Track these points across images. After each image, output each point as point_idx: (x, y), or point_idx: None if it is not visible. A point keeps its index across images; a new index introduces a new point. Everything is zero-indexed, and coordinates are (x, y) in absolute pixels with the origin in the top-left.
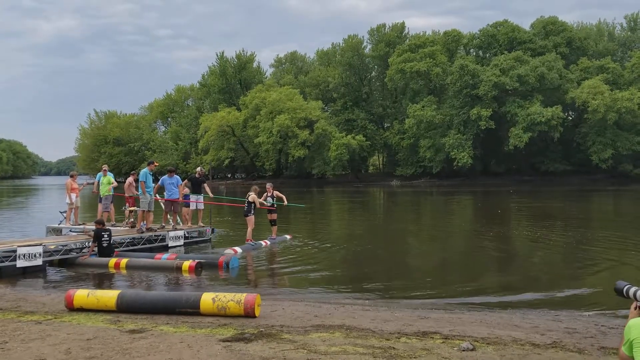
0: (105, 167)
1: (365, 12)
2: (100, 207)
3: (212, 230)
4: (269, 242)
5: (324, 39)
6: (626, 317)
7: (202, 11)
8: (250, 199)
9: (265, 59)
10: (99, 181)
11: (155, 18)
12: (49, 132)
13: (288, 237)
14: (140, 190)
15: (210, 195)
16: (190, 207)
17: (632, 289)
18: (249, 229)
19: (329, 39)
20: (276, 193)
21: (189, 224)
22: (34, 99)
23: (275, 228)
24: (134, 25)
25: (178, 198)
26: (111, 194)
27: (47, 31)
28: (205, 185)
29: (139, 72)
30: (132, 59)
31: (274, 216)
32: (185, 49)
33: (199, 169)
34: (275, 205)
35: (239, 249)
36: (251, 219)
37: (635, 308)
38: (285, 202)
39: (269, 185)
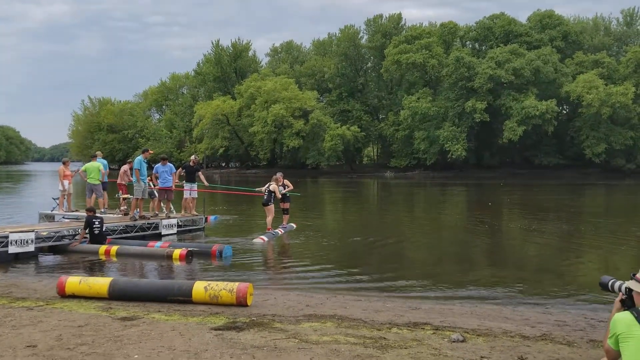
0: (98, 153)
1: (360, 1)
2: (94, 194)
3: (204, 219)
4: (282, 230)
5: (318, 28)
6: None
7: None
8: (271, 188)
9: (259, 48)
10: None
11: (147, 5)
12: (42, 118)
13: (294, 225)
14: (134, 177)
15: (206, 183)
16: (184, 196)
17: (617, 283)
18: (270, 218)
19: (324, 28)
20: (286, 182)
21: (192, 212)
22: (26, 84)
23: (287, 217)
24: (125, 11)
25: (171, 186)
26: (92, 182)
27: (38, 16)
28: (200, 173)
29: (131, 59)
30: (123, 46)
31: (287, 205)
32: (177, 37)
33: (193, 157)
34: (288, 194)
35: (265, 238)
36: (271, 208)
37: (620, 301)
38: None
39: (280, 175)
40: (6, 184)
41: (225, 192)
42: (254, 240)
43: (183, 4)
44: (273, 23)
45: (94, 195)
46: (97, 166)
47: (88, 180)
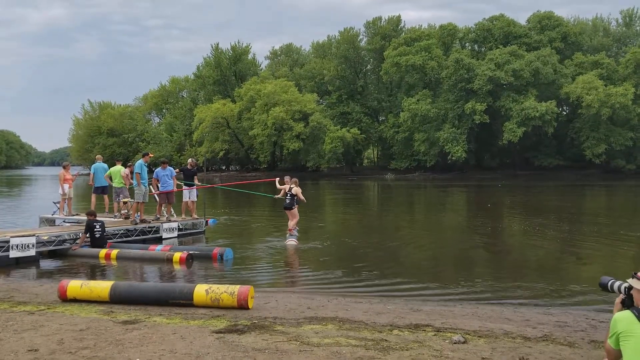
0: (98, 157)
1: (359, 4)
2: (94, 198)
3: (205, 222)
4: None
5: (316, 31)
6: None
7: (193, 1)
8: (294, 192)
9: (258, 51)
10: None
11: (146, 8)
12: (42, 123)
13: (297, 228)
14: (135, 181)
15: (198, 185)
16: (184, 199)
17: (617, 283)
18: (293, 222)
19: (322, 30)
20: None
21: (193, 215)
22: (26, 89)
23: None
24: (124, 14)
25: (172, 189)
26: (117, 186)
27: (37, 20)
28: (195, 177)
29: (130, 62)
30: (123, 49)
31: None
32: (176, 40)
33: (190, 160)
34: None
35: (295, 240)
36: (294, 211)
37: (620, 301)
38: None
39: (288, 178)
40: (6, 189)
41: (226, 188)
42: (288, 243)
43: (182, 7)
44: (272, 26)
45: (121, 197)
46: (118, 170)
47: (114, 184)
